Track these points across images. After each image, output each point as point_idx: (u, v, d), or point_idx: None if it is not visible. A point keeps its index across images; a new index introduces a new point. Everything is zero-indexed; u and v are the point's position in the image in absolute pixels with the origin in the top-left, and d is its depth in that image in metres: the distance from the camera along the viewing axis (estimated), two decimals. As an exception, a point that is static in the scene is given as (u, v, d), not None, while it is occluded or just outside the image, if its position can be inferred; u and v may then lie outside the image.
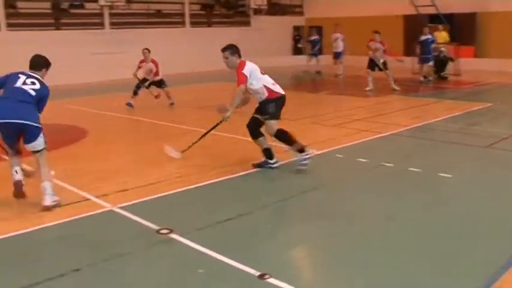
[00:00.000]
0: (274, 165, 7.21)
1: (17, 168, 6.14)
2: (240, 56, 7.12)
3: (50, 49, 19.88)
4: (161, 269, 4.31)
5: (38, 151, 5.90)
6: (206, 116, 11.96)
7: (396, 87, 15.36)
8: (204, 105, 13.32)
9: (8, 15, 19.95)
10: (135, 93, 12.80)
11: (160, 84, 13.09)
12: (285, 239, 5.01)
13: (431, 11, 22.03)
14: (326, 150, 8.14)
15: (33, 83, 6.15)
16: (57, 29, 21.59)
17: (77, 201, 5.98)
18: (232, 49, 7.10)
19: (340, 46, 20.31)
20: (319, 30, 23.47)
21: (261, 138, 7.20)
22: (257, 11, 27.17)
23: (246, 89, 7.00)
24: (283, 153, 7.85)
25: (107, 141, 9.43)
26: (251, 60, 7.18)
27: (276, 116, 7.06)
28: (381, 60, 15.55)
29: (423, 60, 17.77)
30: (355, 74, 18.25)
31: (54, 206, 5.76)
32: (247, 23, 27.28)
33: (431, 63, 17.81)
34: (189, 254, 4.54)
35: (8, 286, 4.07)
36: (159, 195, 6.14)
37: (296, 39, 28.99)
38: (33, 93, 6.01)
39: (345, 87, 17.60)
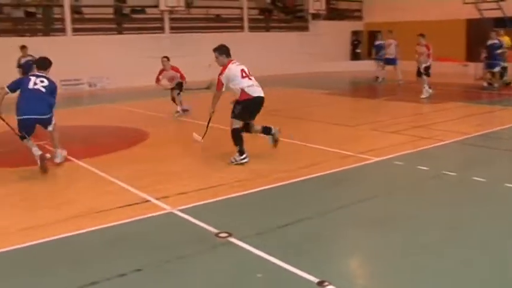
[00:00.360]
0: (274, 132, 8.26)
1: (35, 148, 7.69)
2: (228, 56, 8.10)
3: (112, 53, 20.62)
4: (220, 272, 4.33)
5: (52, 130, 7.91)
6: (264, 121, 12.00)
7: (424, 96, 14.90)
8: (263, 110, 13.35)
9: (74, 21, 20.63)
10: (174, 101, 12.76)
11: (179, 87, 12.75)
12: (344, 246, 4.96)
13: (497, 14, 21.35)
14: (385, 157, 7.99)
15: (42, 81, 7.72)
16: (119, 33, 22.20)
17: (137, 203, 6.09)
18: (220, 50, 8.13)
19: (393, 52, 19.97)
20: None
21: (254, 128, 8.19)
22: (315, 16, 27.11)
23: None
24: (347, 158, 7.80)
25: (167, 143, 9.60)
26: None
27: (239, 117, 7.93)
28: (423, 65, 15.12)
29: (489, 66, 17.21)
30: (412, 80, 17.83)
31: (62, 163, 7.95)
32: (305, 28, 27.25)
33: (497, 68, 17.18)
34: (247, 258, 4.55)
35: (66, 285, 4.16)
36: (218, 198, 6.19)
37: (354, 44, 28.72)
38: (43, 89, 7.66)
39: (404, 93, 17.24)
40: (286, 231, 5.17)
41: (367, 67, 23.83)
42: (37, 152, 7.62)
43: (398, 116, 12.15)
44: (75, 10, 21.24)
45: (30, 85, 7.63)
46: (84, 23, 21.42)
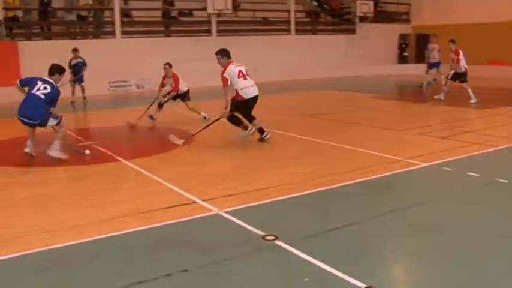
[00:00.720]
0: (266, 136, 9.53)
1: (29, 143, 8.33)
2: (228, 58, 9.34)
3: (159, 55, 20.88)
4: (267, 275, 4.33)
5: (55, 126, 8.37)
6: (311, 123, 12.00)
7: (473, 101, 14.54)
8: (309, 113, 13.36)
9: (123, 24, 21.03)
10: (161, 105, 12.64)
11: (183, 97, 12.75)
12: (391, 252, 4.88)
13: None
14: (434, 162, 7.83)
15: (45, 88, 8.14)
16: (167, 36, 22.47)
17: (184, 204, 6.14)
18: (221, 53, 9.39)
19: (436, 56, 19.58)
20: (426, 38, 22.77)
21: (254, 121, 9.39)
22: (363, 19, 26.86)
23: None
24: (395, 163, 7.71)
25: (212, 145, 9.63)
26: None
27: (232, 111, 9.25)
28: (452, 71, 14.93)
29: None
30: (456, 84, 17.42)
31: (55, 158, 8.19)
32: (352, 31, 27.03)
33: None
34: (294, 262, 4.52)
35: (113, 283, 4.22)
36: (265, 201, 6.17)
37: (402, 47, 28.31)
38: (42, 96, 8.08)
39: (451, 98, 16.90)
40: (333, 235, 5.12)
41: (414, 71, 23.47)
42: (27, 148, 8.33)
43: (447, 121, 11.92)
44: (125, 13, 21.65)
45: (34, 90, 8.13)
46: (133, 26, 21.81)
